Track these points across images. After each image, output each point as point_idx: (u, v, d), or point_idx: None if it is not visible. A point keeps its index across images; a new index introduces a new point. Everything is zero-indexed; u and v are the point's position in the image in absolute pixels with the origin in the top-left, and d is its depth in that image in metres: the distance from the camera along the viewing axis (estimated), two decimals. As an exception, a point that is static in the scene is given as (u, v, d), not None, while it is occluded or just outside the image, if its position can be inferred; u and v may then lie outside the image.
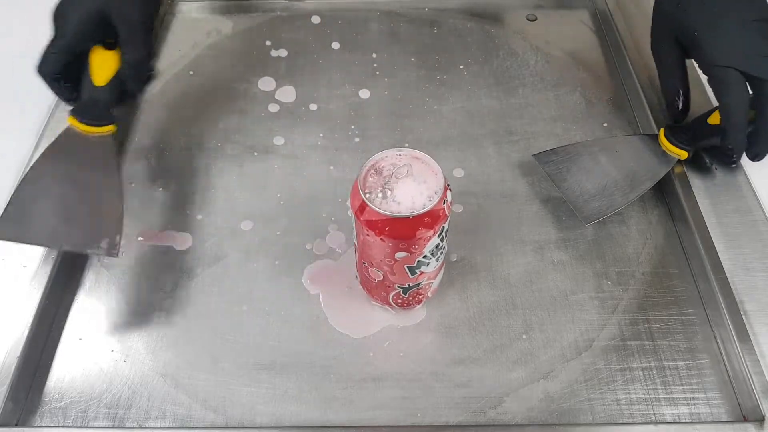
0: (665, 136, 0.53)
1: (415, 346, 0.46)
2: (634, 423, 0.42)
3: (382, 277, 0.43)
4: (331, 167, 0.57)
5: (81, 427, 0.42)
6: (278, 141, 0.59)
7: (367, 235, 0.39)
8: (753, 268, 0.47)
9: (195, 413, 0.43)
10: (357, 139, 0.59)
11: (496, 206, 0.54)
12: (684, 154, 0.52)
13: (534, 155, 0.54)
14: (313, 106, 0.62)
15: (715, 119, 0.52)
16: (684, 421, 0.42)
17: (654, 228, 0.53)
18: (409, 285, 0.43)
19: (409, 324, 0.47)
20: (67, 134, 0.48)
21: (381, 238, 0.39)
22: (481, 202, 0.54)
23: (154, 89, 0.64)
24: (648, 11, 0.55)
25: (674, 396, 0.44)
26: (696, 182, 0.52)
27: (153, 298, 0.49)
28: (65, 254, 0.49)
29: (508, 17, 0.72)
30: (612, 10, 0.70)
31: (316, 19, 0.71)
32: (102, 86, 0.49)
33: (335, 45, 0.68)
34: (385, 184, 0.39)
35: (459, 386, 0.44)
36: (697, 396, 0.44)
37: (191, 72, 0.66)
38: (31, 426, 0.43)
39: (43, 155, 0.48)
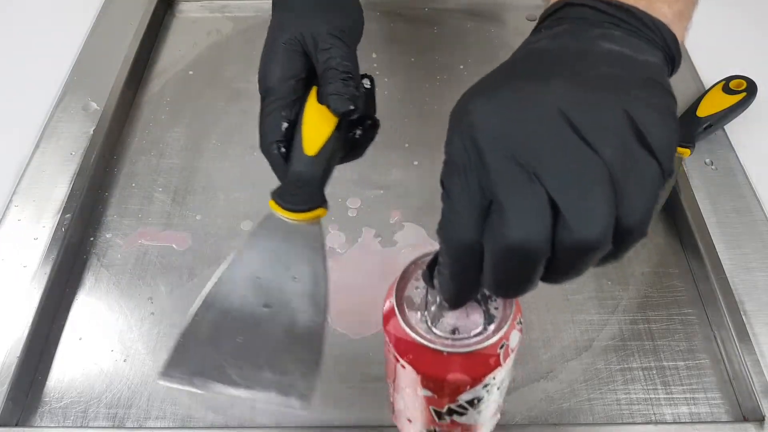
0: (665, 136, 0.53)
1: (415, 346, 0.46)
2: (634, 423, 0.42)
3: (402, 408, 0.34)
4: (331, 167, 0.57)
5: (81, 427, 0.42)
6: (278, 141, 0.59)
7: (388, 350, 0.31)
8: (753, 268, 0.47)
9: (195, 413, 0.43)
10: (357, 139, 0.59)
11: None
12: (687, 152, 0.52)
13: None
14: (313, 106, 0.62)
15: (704, 111, 0.53)
16: (684, 421, 0.42)
17: (654, 228, 0.53)
18: (435, 430, 0.34)
19: (409, 324, 0.47)
20: (267, 224, 0.36)
21: (403, 362, 0.30)
22: (481, 202, 0.54)
23: (153, 89, 0.64)
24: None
25: (674, 396, 0.44)
26: (696, 182, 0.52)
27: (153, 298, 0.49)
28: (65, 254, 0.49)
29: (508, 17, 0.72)
30: (612, 10, 0.70)
31: (316, 19, 0.71)
32: (315, 156, 0.36)
33: (335, 45, 0.68)
34: (435, 293, 0.29)
35: (459, 386, 0.44)
36: (697, 396, 0.44)
37: (191, 72, 0.66)
38: (31, 426, 0.42)
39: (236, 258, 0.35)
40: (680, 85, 0.60)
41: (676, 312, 0.48)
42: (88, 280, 0.50)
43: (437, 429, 0.34)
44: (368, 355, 0.46)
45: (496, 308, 0.29)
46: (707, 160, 0.54)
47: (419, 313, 0.29)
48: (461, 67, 0.66)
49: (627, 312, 0.48)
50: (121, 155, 0.58)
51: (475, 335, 0.28)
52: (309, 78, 0.39)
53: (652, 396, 0.44)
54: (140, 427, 0.42)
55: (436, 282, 0.28)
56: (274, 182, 0.55)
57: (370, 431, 0.42)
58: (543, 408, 0.43)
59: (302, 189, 0.36)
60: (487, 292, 0.29)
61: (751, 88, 0.56)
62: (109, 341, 0.46)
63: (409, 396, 0.32)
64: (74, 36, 0.57)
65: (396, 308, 0.29)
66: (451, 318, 0.29)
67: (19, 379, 0.43)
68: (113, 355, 0.46)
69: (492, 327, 0.29)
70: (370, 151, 0.58)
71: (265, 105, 0.38)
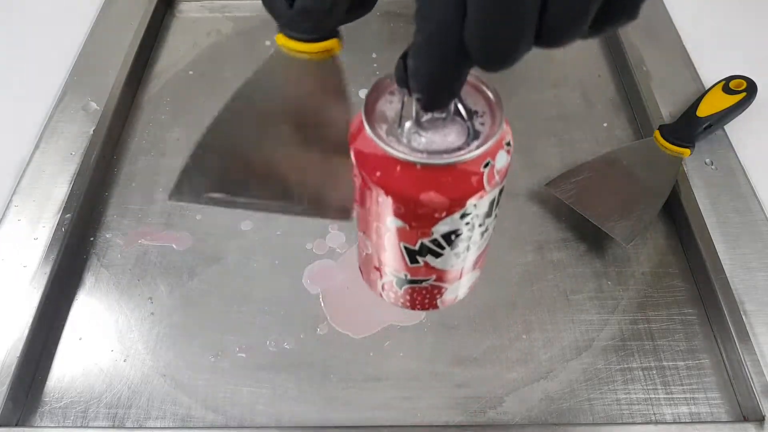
0: (663, 137, 0.53)
1: (415, 346, 0.46)
2: (634, 423, 0.42)
3: (370, 250, 0.30)
4: (331, 167, 0.57)
5: (81, 427, 0.42)
6: (278, 141, 0.59)
7: (355, 174, 0.27)
8: (753, 268, 0.47)
9: (195, 413, 0.43)
10: (357, 139, 0.59)
11: (496, 206, 0.54)
12: (687, 152, 0.52)
13: (546, 185, 0.52)
14: (313, 106, 0.62)
15: (704, 111, 0.53)
16: (684, 421, 0.42)
17: (654, 228, 0.53)
18: (405, 276, 0.30)
19: (409, 324, 0.47)
20: (273, 61, 0.31)
21: (370, 185, 0.26)
22: (481, 202, 0.54)
23: (153, 89, 0.64)
24: (648, 10, 0.55)
25: (674, 396, 0.44)
26: (696, 182, 0.52)
27: (153, 298, 0.49)
28: (65, 254, 0.49)
29: (508, 17, 0.72)
30: (612, 10, 0.70)
31: (316, 19, 0.71)
32: None
33: (335, 45, 0.68)
34: (412, 108, 0.25)
35: (459, 386, 0.44)
36: (697, 396, 0.44)
37: (191, 72, 0.66)
38: (31, 426, 0.43)
39: (250, 79, 0.31)
40: (680, 85, 0.60)
41: (676, 312, 0.48)
42: (88, 280, 0.50)
43: (408, 276, 0.29)
44: (368, 355, 0.46)
45: (482, 124, 0.25)
46: (707, 160, 0.54)
47: (392, 127, 0.25)
48: (461, 67, 0.66)
49: (627, 312, 0.48)
50: (121, 155, 0.58)
51: (455, 149, 0.24)
52: None
53: (652, 396, 0.44)
54: (140, 427, 0.42)
55: (411, 67, 0.22)
56: (274, 182, 0.55)
57: (371, 431, 0.42)
58: (543, 408, 0.43)
59: (312, 15, 0.29)
60: (471, 107, 0.26)
61: (751, 88, 0.56)
62: (109, 341, 0.46)
63: (377, 232, 0.28)
64: (74, 36, 0.57)
65: (365, 119, 0.25)
66: (429, 135, 0.25)
67: (19, 379, 0.43)
68: (113, 355, 0.46)
69: (476, 142, 0.25)
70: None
71: None
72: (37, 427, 0.42)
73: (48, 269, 0.47)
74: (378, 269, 0.31)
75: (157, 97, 0.63)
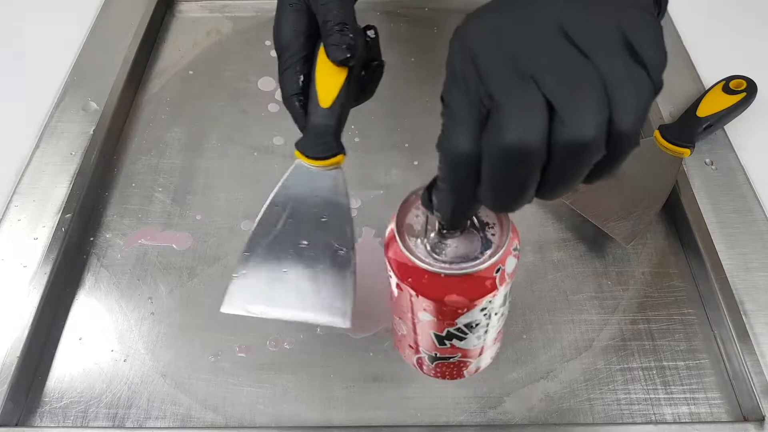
0: (663, 137, 0.53)
1: (415, 346, 0.46)
2: (634, 423, 0.42)
3: (405, 333, 0.36)
4: (331, 167, 0.57)
5: (81, 427, 0.42)
6: (278, 141, 0.59)
7: (390, 276, 0.32)
8: (753, 268, 0.47)
9: (195, 413, 0.43)
10: (357, 139, 0.59)
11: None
12: (687, 152, 0.52)
13: None
14: (313, 106, 0.62)
15: (704, 111, 0.53)
16: (684, 421, 0.42)
17: (654, 228, 0.53)
18: (435, 355, 0.35)
19: (409, 324, 0.47)
20: (295, 173, 0.40)
21: (403, 287, 0.31)
22: (481, 202, 0.54)
23: (153, 89, 0.64)
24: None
25: (674, 396, 0.44)
26: (696, 182, 0.52)
27: (153, 298, 0.49)
28: (65, 254, 0.49)
29: (508, 17, 0.72)
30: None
31: (316, 19, 0.71)
32: (329, 108, 0.40)
33: (335, 45, 0.68)
34: (435, 222, 0.30)
35: (459, 386, 0.44)
36: (697, 396, 0.44)
37: (191, 72, 0.66)
38: (31, 426, 0.43)
39: (271, 204, 0.39)
40: (680, 85, 0.60)
41: (676, 312, 0.48)
42: (88, 280, 0.50)
43: (438, 354, 0.35)
44: (368, 355, 0.46)
45: (493, 235, 0.30)
46: (707, 160, 0.54)
47: (419, 239, 0.30)
48: (461, 67, 0.66)
49: (627, 312, 0.48)
50: (121, 155, 0.58)
51: (472, 259, 0.29)
52: (318, 34, 0.41)
53: (652, 396, 0.44)
54: (140, 427, 0.42)
55: (434, 201, 0.28)
56: (274, 181, 0.55)
57: (371, 431, 0.42)
58: (543, 408, 0.43)
59: (321, 138, 0.40)
60: (484, 219, 0.31)
61: (751, 88, 0.56)
62: (109, 341, 0.46)
63: (410, 321, 0.33)
64: (74, 36, 0.57)
65: (396, 234, 0.30)
66: (449, 244, 0.30)
67: (19, 379, 0.43)
68: (113, 355, 0.46)
69: (488, 252, 0.30)
70: (371, 151, 0.58)
71: (282, 62, 0.41)
72: (37, 427, 0.42)
73: (48, 269, 0.47)
74: (412, 347, 0.36)
75: (157, 97, 0.63)
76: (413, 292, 0.31)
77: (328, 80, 0.40)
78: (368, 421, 0.43)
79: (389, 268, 0.32)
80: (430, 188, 0.28)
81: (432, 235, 0.31)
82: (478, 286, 0.30)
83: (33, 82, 0.62)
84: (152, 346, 0.46)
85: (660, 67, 0.24)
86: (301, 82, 0.40)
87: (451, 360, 0.36)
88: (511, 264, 0.31)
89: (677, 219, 0.53)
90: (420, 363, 0.37)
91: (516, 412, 0.43)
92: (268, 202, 0.39)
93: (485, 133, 0.24)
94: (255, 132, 0.60)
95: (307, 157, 0.40)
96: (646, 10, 0.26)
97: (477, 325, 0.32)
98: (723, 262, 0.47)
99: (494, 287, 0.30)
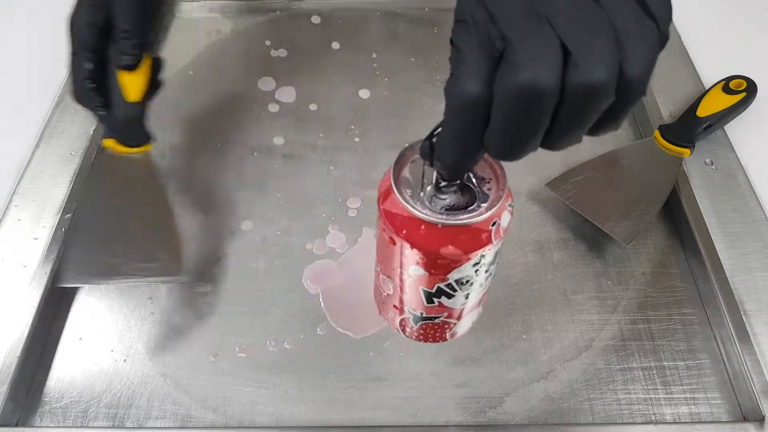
0: (663, 137, 0.53)
1: (415, 346, 0.46)
2: (634, 423, 0.42)
3: (392, 292, 0.36)
4: (331, 167, 0.57)
5: (81, 427, 0.42)
6: (278, 141, 0.59)
7: (383, 229, 0.32)
8: (753, 268, 0.47)
9: (195, 413, 0.43)
10: (357, 139, 0.59)
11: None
12: (687, 152, 0.52)
13: (546, 185, 0.52)
14: (313, 106, 0.62)
15: (704, 111, 0.53)
16: (684, 421, 0.42)
17: (654, 228, 0.53)
18: (421, 314, 0.35)
19: (409, 324, 0.47)
20: (105, 158, 0.47)
21: (397, 240, 0.31)
22: (481, 202, 0.54)
23: (154, 89, 0.64)
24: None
25: (674, 396, 0.44)
26: (696, 182, 0.52)
27: (153, 298, 0.49)
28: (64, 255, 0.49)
29: (508, 17, 0.72)
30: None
31: (316, 19, 0.71)
32: (136, 102, 0.46)
33: (335, 45, 0.68)
34: (432, 175, 0.31)
35: (459, 386, 0.44)
36: (697, 396, 0.44)
37: (191, 72, 0.66)
38: (31, 426, 0.43)
39: (86, 184, 0.46)
40: (680, 85, 0.60)
41: (676, 312, 0.48)
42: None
43: (424, 314, 0.35)
44: (368, 355, 0.46)
45: (489, 189, 0.30)
46: (707, 160, 0.54)
47: (415, 191, 0.30)
48: (461, 67, 0.66)
49: (627, 312, 0.48)
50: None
51: (469, 211, 0.30)
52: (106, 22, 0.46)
53: (652, 396, 0.44)
54: (140, 427, 0.42)
55: (436, 149, 0.28)
56: (280, 185, 0.56)
57: (370, 431, 0.42)
58: (543, 408, 0.43)
59: (136, 128, 0.47)
60: (480, 174, 0.31)
61: (751, 88, 0.56)
62: (109, 341, 0.46)
63: (399, 278, 0.33)
64: (74, 36, 0.57)
65: (393, 185, 0.30)
66: (446, 198, 0.30)
67: (19, 379, 0.43)
68: (113, 355, 0.46)
69: (485, 205, 0.30)
70: (371, 151, 0.58)
71: (72, 49, 0.45)
72: (37, 427, 0.42)
73: (48, 269, 0.47)
74: (397, 308, 0.36)
75: (158, 97, 0.63)
76: (408, 245, 0.30)
77: (134, 77, 0.45)
78: (368, 421, 0.43)
79: (383, 221, 0.32)
80: (431, 138, 0.28)
81: (429, 188, 0.30)
82: (475, 239, 0.30)
83: (33, 82, 0.62)
84: (152, 346, 0.46)
85: (667, 19, 0.25)
86: (89, 71, 0.44)
87: (436, 320, 0.36)
88: (506, 218, 0.31)
89: (677, 219, 0.53)
90: (404, 325, 0.37)
91: (516, 412, 0.43)
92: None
93: (498, 73, 0.24)
94: (255, 132, 0.60)
95: (127, 146, 0.46)
96: None
97: (467, 281, 0.32)
98: (723, 262, 0.47)
99: (489, 240, 0.30)
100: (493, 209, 0.29)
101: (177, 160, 0.58)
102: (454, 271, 0.31)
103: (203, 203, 0.54)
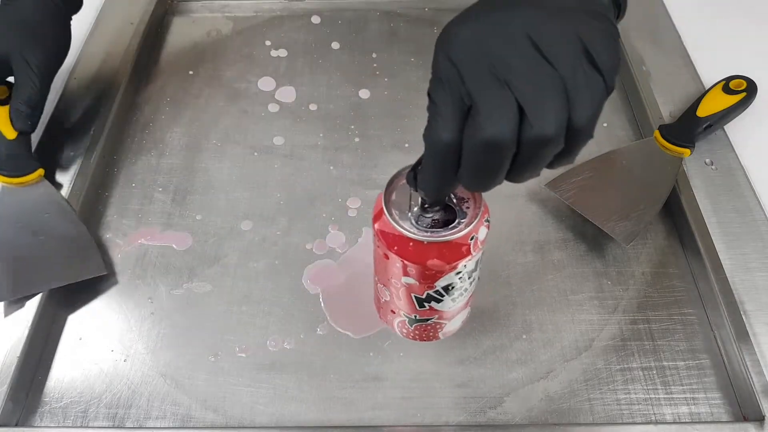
0: (663, 137, 0.53)
1: (415, 346, 0.46)
2: (634, 423, 0.42)
3: (388, 298, 0.40)
4: (331, 167, 0.57)
5: (81, 427, 0.43)
6: (278, 141, 0.59)
7: (378, 246, 0.36)
8: (753, 268, 0.47)
9: (195, 413, 0.43)
10: (357, 139, 0.59)
11: (496, 206, 0.54)
12: (687, 152, 0.52)
13: (546, 185, 0.52)
14: (313, 106, 0.62)
15: (704, 111, 0.53)
16: (684, 421, 0.42)
17: (654, 228, 0.53)
18: (415, 317, 0.39)
19: (409, 324, 0.47)
20: (3, 191, 0.50)
21: (389, 255, 0.35)
22: (481, 202, 0.54)
23: (153, 89, 0.64)
24: (649, 10, 0.55)
25: (674, 396, 0.44)
26: (696, 182, 0.52)
27: (153, 298, 0.49)
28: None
29: (508, 17, 0.72)
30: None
31: (316, 19, 0.71)
32: (15, 139, 0.50)
33: (335, 45, 0.68)
34: (417, 197, 0.35)
35: (459, 386, 0.44)
36: (697, 396, 0.44)
37: (191, 72, 0.66)
38: (31, 426, 0.43)
39: None
40: (680, 85, 0.60)
41: (676, 312, 0.48)
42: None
43: (418, 317, 0.39)
44: (368, 355, 0.46)
45: (467, 208, 0.35)
46: (707, 160, 0.54)
47: (404, 213, 0.35)
48: (461, 67, 0.66)
49: (627, 312, 0.48)
50: (121, 155, 0.58)
51: (450, 229, 0.34)
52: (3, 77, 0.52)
53: (652, 396, 0.44)
54: (140, 427, 0.42)
55: (419, 180, 0.32)
56: (280, 185, 0.56)
57: (370, 431, 0.42)
58: (543, 408, 0.43)
59: (21, 161, 0.50)
60: (460, 195, 0.35)
61: (751, 88, 0.56)
62: (109, 341, 0.46)
63: (394, 287, 0.37)
64: (74, 36, 0.57)
65: (385, 208, 0.34)
66: (430, 217, 0.35)
67: (19, 379, 0.43)
68: (113, 355, 0.46)
69: (464, 222, 0.34)
70: (371, 151, 0.58)
71: None
72: (37, 427, 0.42)
73: (48, 269, 0.47)
74: (394, 312, 0.40)
75: (157, 97, 0.63)
76: (399, 259, 0.35)
77: (4, 115, 0.51)
78: (368, 421, 0.43)
79: (377, 239, 0.36)
80: (415, 169, 0.32)
81: (415, 209, 0.35)
82: (456, 252, 0.34)
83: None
84: (152, 346, 0.46)
85: (613, 72, 0.29)
86: None
87: (429, 322, 0.40)
88: (483, 233, 0.35)
89: (677, 219, 0.53)
90: (401, 326, 0.41)
91: (516, 412, 0.43)
92: None
93: (466, 128, 0.28)
94: (255, 132, 0.60)
95: (14, 177, 0.50)
96: (604, 17, 0.30)
97: (452, 287, 0.36)
98: (723, 262, 0.47)
99: (469, 252, 0.35)
100: (471, 226, 0.34)
101: (177, 159, 0.58)
102: (440, 279, 0.35)
103: (203, 203, 0.54)
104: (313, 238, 0.52)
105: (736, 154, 0.54)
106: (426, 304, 0.38)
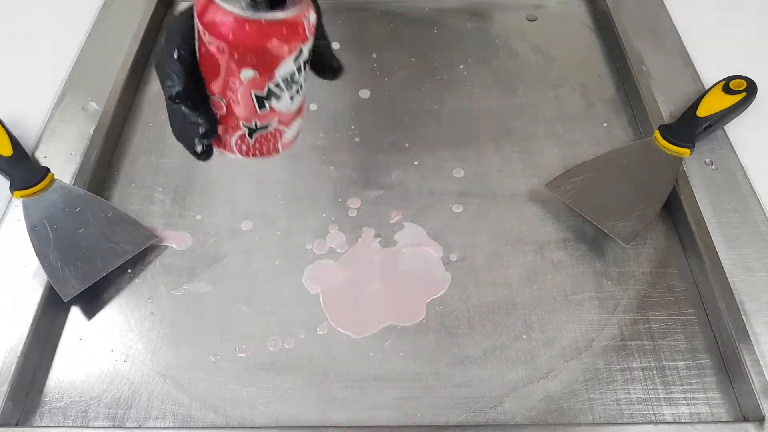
0: (663, 137, 0.53)
1: (415, 346, 0.46)
2: (634, 423, 0.42)
3: (225, 110, 0.38)
4: (331, 167, 0.57)
5: (81, 427, 0.42)
6: (278, 141, 0.59)
7: (209, 43, 0.35)
8: (753, 268, 0.47)
9: (195, 413, 0.43)
10: (357, 139, 0.59)
11: (496, 206, 0.54)
12: (687, 152, 0.52)
13: (546, 185, 0.52)
14: (313, 106, 0.62)
15: (704, 111, 0.53)
16: (684, 421, 0.42)
17: (654, 228, 0.53)
18: (256, 125, 0.39)
19: (409, 324, 0.47)
20: (24, 204, 0.50)
21: (225, 47, 0.34)
22: (480, 202, 0.54)
23: (153, 89, 0.64)
24: (648, 10, 0.55)
25: (674, 396, 0.44)
26: (696, 182, 0.52)
27: (153, 298, 0.49)
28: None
29: (508, 17, 0.72)
30: (612, 10, 0.70)
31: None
32: (13, 155, 0.52)
33: (335, 45, 0.68)
34: None
35: (459, 386, 0.44)
36: (697, 396, 0.44)
37: (191, 72, 0.66)
38: (31, 426, 0.43)
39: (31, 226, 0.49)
40: (680, 85, 0.60)
41: (676, 312, 0.48)
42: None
43: (258, 124, 0.39)
44: (368, 355, 0.46)
45: None
46: (707, 160, 0.54)
47: (231, 2, 0.34)
48: (461, 67, 0.66)
49: (627, 312, 0.48)
50: (121, 155, 0.58)
51: (284, 9, 0.34)
52: None
53: (652, 396, 0.44)
54: (140, 427, 0.42)
55: None
56: (280, 185, 0.55)
57: (370, 431, 0.42)
58: (543, 408, 0.43)
59: (26, 172, 0.51)
60: None
61: (751, 88, 0.56)
62: (109, 341, 0.46)
63: (231, 89, 0.36)
64: (74, 36, 0.57)
65: None
66: (261, 4, 0.34)
67: (19, 379, 0.43)
68: (113, 355, 0.46)
69: (294, 3, 0.34)
70: (371, 151, 0.58)
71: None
72: (37, 427, 0.42)
73: (48, 269, 0.47)
74: (234, 126, 0.39)
75: (157, 97, 0.63)
76: (236, 46, 0.34)
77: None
78: (368, 421, 0.43)
79: (206, 36, 0.34)
80: None
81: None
82: (294, 32, 0.34)
83: (33, 82, 0.62)
84: (152, 346, 0.46)
85: None
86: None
87: (269, 129, 0.40)
88: (312, 15, 0.36)
89: (677, 219, 0.53)
90: (240, 143, 0.41)
91: (516, 412, 0.43)
92: (29, 230, 0.49)
93: None
94: (255, 132, 0.60)
95: (29, 189, 0.50)
96: None
97: (292, 80, 0.37)
98: (723, 262, 0.47)
99: (305, 34, 0.35)
100: (303, 4, 0.34)
101: (177, 159, 0.58)
102: (280, 66, 0.35)
103: (203, 203, 0.54)
104: (313, 238, 0.52)
105: (736, 154, 0.54)
106: (266, 103, 0.37)
